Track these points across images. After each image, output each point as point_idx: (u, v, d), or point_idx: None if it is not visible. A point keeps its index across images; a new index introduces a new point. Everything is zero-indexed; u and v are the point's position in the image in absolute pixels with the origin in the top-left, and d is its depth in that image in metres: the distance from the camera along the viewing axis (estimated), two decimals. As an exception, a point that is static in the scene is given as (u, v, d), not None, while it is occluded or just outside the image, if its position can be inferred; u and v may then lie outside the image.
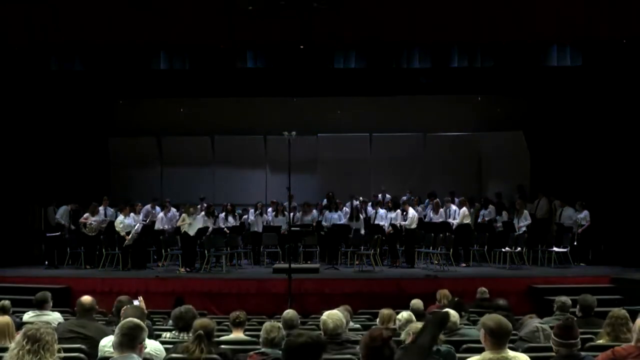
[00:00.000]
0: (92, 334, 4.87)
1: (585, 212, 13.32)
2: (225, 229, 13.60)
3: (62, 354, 3.38)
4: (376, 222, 13.51)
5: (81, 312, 5.24)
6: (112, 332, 5.35)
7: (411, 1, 11.02)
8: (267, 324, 4.39)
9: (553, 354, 4.06)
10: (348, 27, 10.98)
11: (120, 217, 12.70)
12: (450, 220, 13.40)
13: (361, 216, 13.84)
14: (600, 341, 4.85)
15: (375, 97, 15.36)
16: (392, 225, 13.31)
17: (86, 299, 5.33)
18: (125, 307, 5.46)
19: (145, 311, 5.60)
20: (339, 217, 13.73)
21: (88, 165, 15.67)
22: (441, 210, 13.66)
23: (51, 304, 6.58)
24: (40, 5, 10.96)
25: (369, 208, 14.21)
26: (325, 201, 14.58)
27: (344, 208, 14.17)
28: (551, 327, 4.64)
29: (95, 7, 10.94)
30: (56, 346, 3.26)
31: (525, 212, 13.33)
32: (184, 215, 12.45)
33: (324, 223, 13.77)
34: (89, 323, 5.08)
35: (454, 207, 13.60)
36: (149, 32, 11.05)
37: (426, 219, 13.96)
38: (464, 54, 11.68)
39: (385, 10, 10.96)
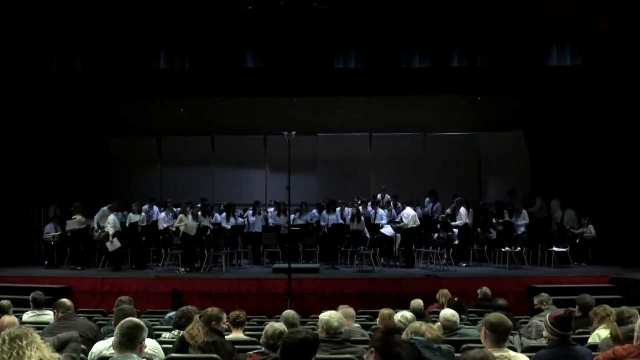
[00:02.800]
0: (80, 333, 4.91)
1: (591, 227, 13.31)
2: (225, 228, 13.62)
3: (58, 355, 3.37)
4: (376, 222, 13.51)
5: (65, 312, 5.27)
6: (97, 327, 5.44)
7: (411, 1, 11.03)
8: (270, 328, 4.36)
9: None
10: (348, 27, 10.99)
11: (112, 217, 12.59)
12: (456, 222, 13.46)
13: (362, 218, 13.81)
14: (596, 332, 4.98)
15: (375, 97, 15.36)
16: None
17: (66, 300, 5.48)
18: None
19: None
20: (337, 218, 13.75)
21: (88, 165, 15.67)
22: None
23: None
24: (41, 5, 10.97)
25: (369, 208, 14.19)
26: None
27: (347, 209, 14.19)
28: None
29: (96, 7, 10.95)
30: (38, 340, 3.23)
31: (524, 212, 13.36)
32: (181, 216, 12.43)
33: (322, 223, 13.80)
34: (73, 322, 5.12)
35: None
36: (149, 32, 11.05)
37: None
38: (464, 54, 11.67)
39: (385, 10, 10.97)
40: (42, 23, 11.01)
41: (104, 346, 4.38)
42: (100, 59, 11.72)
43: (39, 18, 11.00)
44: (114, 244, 12.23)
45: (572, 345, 3.93)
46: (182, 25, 11.01)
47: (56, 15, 10.98)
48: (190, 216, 12.34)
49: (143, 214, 13.60)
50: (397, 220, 13.48)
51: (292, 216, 13.47)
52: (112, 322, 5.02)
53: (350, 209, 14.11)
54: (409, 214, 13.13)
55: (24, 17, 10.99)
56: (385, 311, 6.03)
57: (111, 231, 12.25)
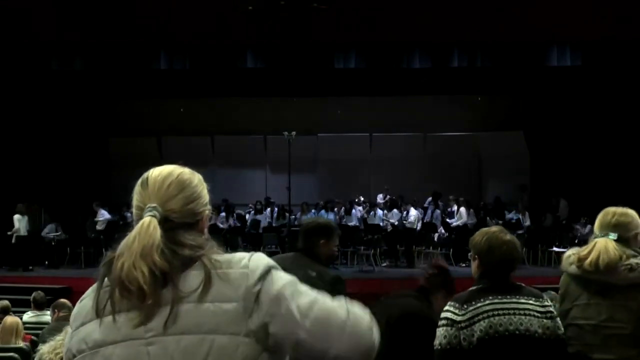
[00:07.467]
0: None
1: (589, 227, 13.31)
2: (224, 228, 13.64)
3: None
4: (376, 222, 13.50)
5: (66, 312, 5.27)
6: None
7: (411, 1, 11.04)
8: None
9: None
10: (348, 27, 11.00)
11: None
12: (453, 222, 13.44)
13: (354, 211, 13.77)
14: None
15: (375, 97, 15.35)
16: (392, 225, 13.31)
17: (65, 300, 5.49)
18: None
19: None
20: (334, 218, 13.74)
21: (88, 165, 15.65)
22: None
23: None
24: (41, 5, 10.98)
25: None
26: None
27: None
28: None
29: (96, 7, 10.96)
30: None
31: (527, 213, 13.38)
32: None
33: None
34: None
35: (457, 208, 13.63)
36: (149, 32, 11.06)
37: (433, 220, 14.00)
38: (464, 54, 11.68)
39: (385, 10, 10.98)
40: (42, 23, 11.02)
41: None
42: (100, 59, 11.74)
43: (39, 18, 11.00)
44: None
45: None
46: (182, 25, 11.02)
47: (56, 15, 10.99)
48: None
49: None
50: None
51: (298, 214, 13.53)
52: None
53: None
54: (412, 214, 13.13)
55: (25, 16, 11.00)
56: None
57: None
